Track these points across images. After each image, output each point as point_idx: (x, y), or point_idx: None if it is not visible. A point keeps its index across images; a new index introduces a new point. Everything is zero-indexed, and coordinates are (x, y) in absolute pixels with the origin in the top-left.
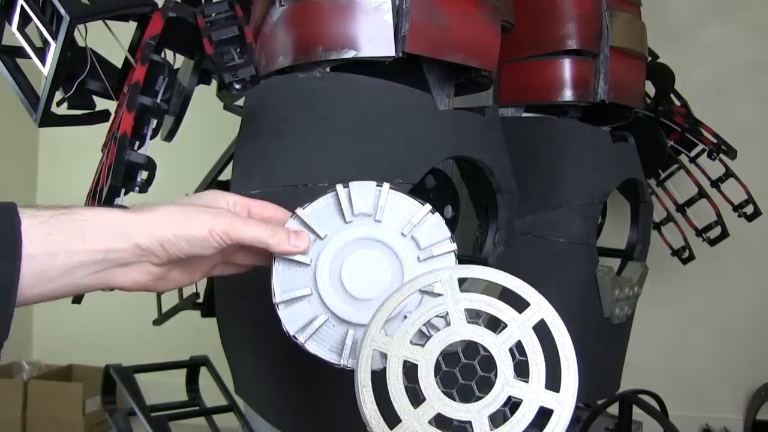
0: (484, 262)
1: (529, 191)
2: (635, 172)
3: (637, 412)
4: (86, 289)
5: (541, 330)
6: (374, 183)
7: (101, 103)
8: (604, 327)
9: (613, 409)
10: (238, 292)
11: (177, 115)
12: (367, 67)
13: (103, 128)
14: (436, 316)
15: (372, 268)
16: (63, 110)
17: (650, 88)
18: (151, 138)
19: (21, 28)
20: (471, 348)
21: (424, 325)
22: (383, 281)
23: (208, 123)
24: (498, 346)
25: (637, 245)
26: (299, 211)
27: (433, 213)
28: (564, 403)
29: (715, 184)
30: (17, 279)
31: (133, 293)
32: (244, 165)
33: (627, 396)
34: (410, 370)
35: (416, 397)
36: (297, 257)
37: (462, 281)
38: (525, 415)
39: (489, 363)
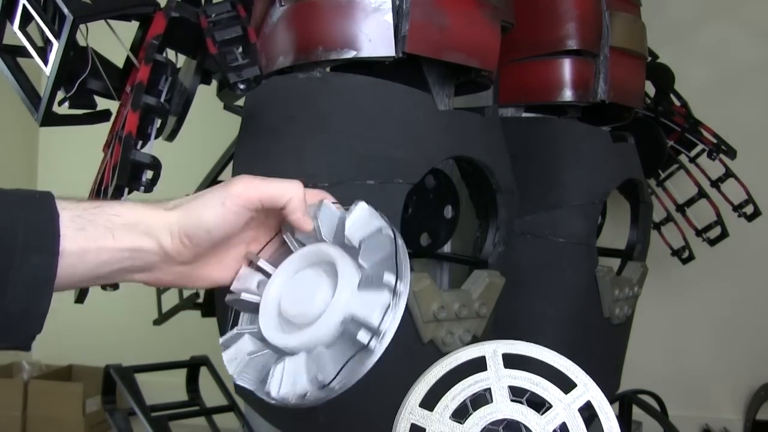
0: (483, 262)
1: (529, 191)
2: (635, 172)
3: (637, 412)
4: (111, 281)
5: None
6: (315, 203)
7: (102, 103)
8: (604, 327)
9: (613, 409)
10: None
11: (179, 115)
12: (367, 67)
13: (105, 128)
14: (480, 391)
15: (308, 286)
16: (64, 110)
17: (650, 88)
18: (155, 138)
19: (23, 27)
20: (513, 427)
21: (465, 399)
22: (319, 295)
23: (208, 123)
24: (542, 427)
25: (637, 245)
26: (326, 203)
27: (357, 205)
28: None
29: (715, 184)
30: (55, 273)
31: (133, 294)
32: (244, 165)
33: (627, 396)
34: None
35: None
36: (248, 297)
37: (508, 357)
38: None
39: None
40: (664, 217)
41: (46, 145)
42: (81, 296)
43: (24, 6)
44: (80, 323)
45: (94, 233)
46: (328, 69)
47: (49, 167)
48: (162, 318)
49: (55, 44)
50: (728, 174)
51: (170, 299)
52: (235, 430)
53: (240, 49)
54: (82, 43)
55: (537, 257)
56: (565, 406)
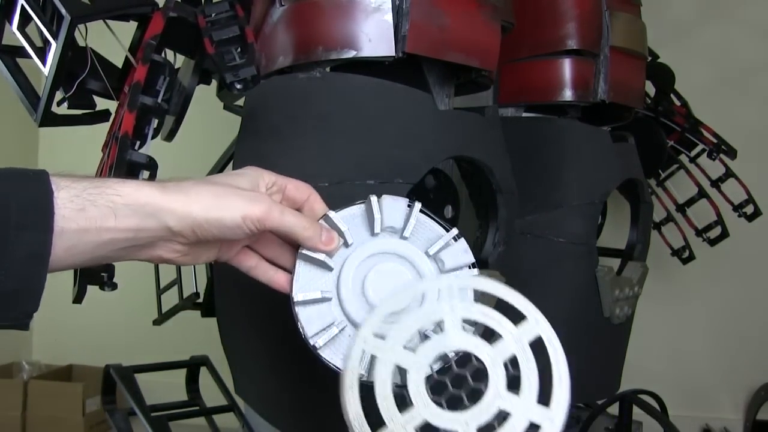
0: (484, 263)
1: (529, 191)
2: (635, 172)
3: (637, 412)
4: (112, 260)
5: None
6: (407, 200)
7: (101, 103)
8: (604, 327)
9: (613, 409)
10: (238, 292)
11: (177, 115)
12: (367, 67)
13: (104, 128)
14: (432, 322)
15: (396, 282)
16: (63, 110)
17: (650, 88)
18: (152, 138)
19: (21, 27)
20: (464, 357)
21: (418, 330)
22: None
23: (208, 123)
24: (492, 358)
25: (637, 245)
26: (332, 213)
27: (458, 238)
28: (554, 420)
29: (715, 184)
30: (49, 251)
31: (133, 294)
32: (244, 165)
33: (627, 396)
34: (400, 376)
35: (403, 403)
36: (323, 258)
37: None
38: (514, 429)
39: (481, 374)
40: (664, 217)
41: (46, 145)
42: (79, 296)
43: (22, 6)
44: (80, 323)
45: (95, 213)
46: (328, 69)
47: (49, 167)
48: (162, 318)
49: (54, 44)
50: (728, 174)
51: (170, 299)
52: (235, 430)
53: (237, 49)
54: (80, 43)
55: (537, 257)
56: (515, 339)
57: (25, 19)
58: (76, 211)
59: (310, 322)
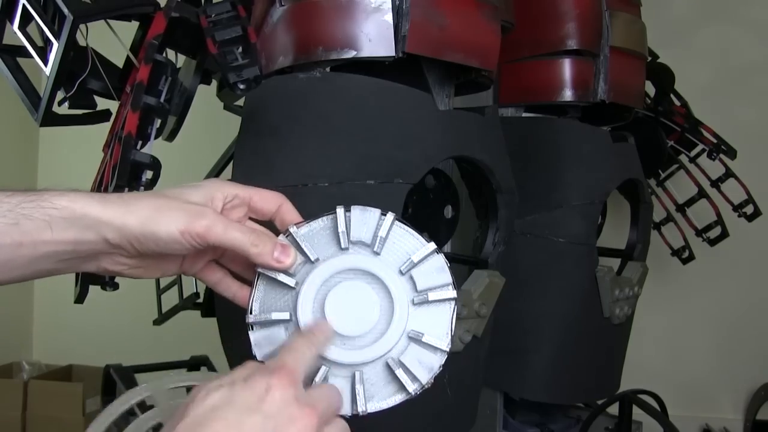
0: (483, 262)
1: (529, 191)
2: (635, 172)
3: (637, 412)
4: (54, 273)
5: None
6: (379, 211)
7: (102, 103)
8: (604, 327)
9: (613, 409)
10: None
11: (179, 115)
12: (367, 67)
13: (104, 128)
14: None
15: (360, 303)
16: (64, 110)
17: (650, 88)
18: (155, 138)
19: (22, 27)
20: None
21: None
22: (370, 319)
23: (208, 123)
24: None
25: (637, 245)
26: (292, 228)
27: (437, 253)
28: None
29: (715, 184)
30: None
31: (133, 294)
32: (244, 165)
33: (627, 396)
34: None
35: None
36: (281, 277)
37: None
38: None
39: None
40: (664, 217)
41: (46, 145)
42: (81, 296)
43: (24, 6)
44: (80, 323)
45: (30, 227)
46: (328, 69)
47: (49, 167)
48: (162, 318)
49: (55, 44)
50: (728, 174)
51: (170, 299)
52: None
53: (240, 49)
54: (82, 43)
55: (537, 257)
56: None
57: (27, 18)
58: (10, 226)
59: (259, 345)
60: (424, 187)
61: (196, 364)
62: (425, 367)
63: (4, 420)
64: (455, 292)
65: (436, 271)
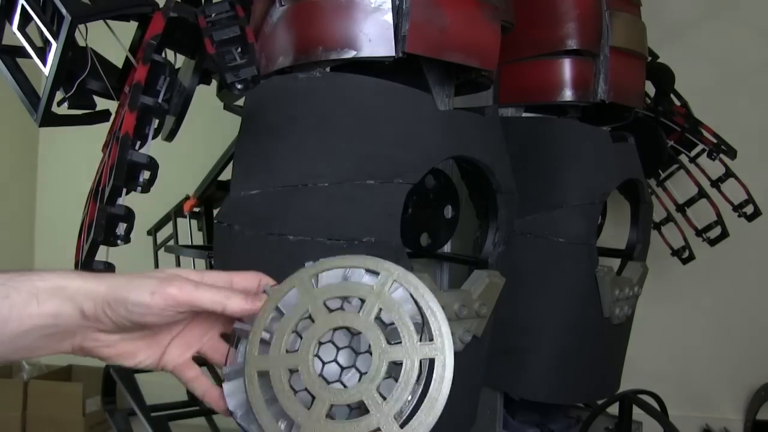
0: (483, 262)
1: (529, 191)
2: (635, 172)
3: (637, 412)
4: (33, 352)
5: None
6: (342, 270)
7: (102, 103)
8: (604, 327)
9: (613, 409)
10: None
11: (178, 115)
12: (367, 67)
13: (104, 128)
14: (359, 298)
15: (356, 351)
16: (63, 110)
17: (650, 88)
18: (153, 138)
19: (22, 27)
20: (363, 342)
21: (293, 331)
22: (364, 369)
23: (208, 123)
24: (363, 321)
25: (637, 245)
26: (267, 288)
27: (400, 285)
28: (442, 349)
29: (715, 184)
30: None
31: None
32: (244, 165)
33: (627, 396)
34: (306, 323)
35: (307, 399)
36: (266, 336)
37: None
38: (409, 374)
39: (368, 363)
40: (664, 217)
41: (46, 145)
42: None
43: (23, 6)
44: None
45: (18, 300)
46: (328, 69)
47: (49, 167)
48: None
49: (54, 44)
50: (728, 174)
51: None
52: (235, 430)
53: (238, 49)
54: (81, 43)
55: (537, 257)
56: (375, 294)
57: (26, 19)
58: (1, 299)
59: (231, 395)
60: (424, 187)
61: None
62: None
63: (4, 420)
64: (451, 349)
65: (442, 321)
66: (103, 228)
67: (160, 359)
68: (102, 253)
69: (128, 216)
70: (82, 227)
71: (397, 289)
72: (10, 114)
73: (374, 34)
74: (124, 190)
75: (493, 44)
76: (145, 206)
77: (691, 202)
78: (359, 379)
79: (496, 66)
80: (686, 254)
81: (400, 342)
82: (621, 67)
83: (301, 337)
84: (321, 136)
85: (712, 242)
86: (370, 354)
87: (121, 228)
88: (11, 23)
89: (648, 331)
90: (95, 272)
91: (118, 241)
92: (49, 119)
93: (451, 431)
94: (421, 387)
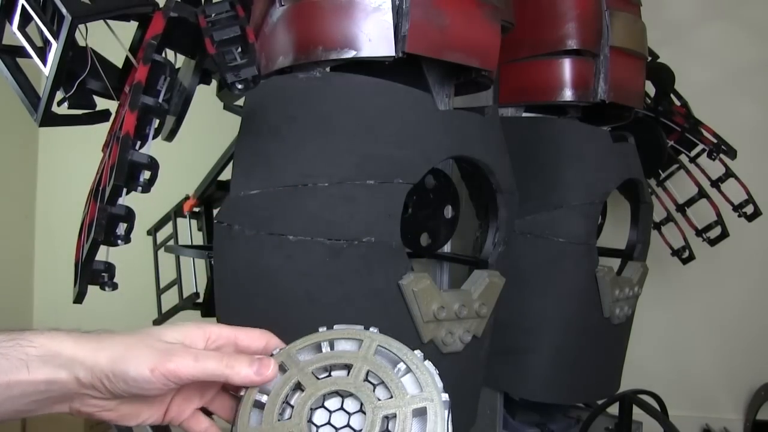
0: (483, 262)
1: (529, 191)
2: (635, 172)
3: (637, 412)
4: (25, 415)
5: None
6: (361, 327)
7: (102, 103)
8: (604, 327)
9: (613, 409)
10: (238, 293)
11: (178, 115)
12: (367, 67)
13: (104, 128)
14: (344, 364)
15: (348, 411)
16: (63, 110)
17: (650, 88)
18: (153, 138)
19: (22, 27)
20: (354, 403)
21: (327, 367)
22: (357, 427)
23: (208, 123)
24: (354, 382)
25: (637, 245)
26: (276, 351)
27: (423, 360)
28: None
29: (715, 184)
30: None
31: (133, 294)
32: (244, 165)
33: (627, 396)
34: (297, 394)
35: (285, 415)
36: (264, 398)
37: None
38: (404, 423)
39: (361, 423)
40: (664, 217)
41: (46, 145)
42: (80, 296)
43: (23, 6)
44: (79, 323)
45: (7, 366)
46: (328, 69)
47: (49, 167)
48: (162, 318)
49: (54, 44)
50: (728, 174)
51: (170, 299)
52: None
53: (238, 49)
54: (81, 43)
55: (537, 257)
56: (362, 358)
57: (26, 18)
58: None
59: None
60: (424, 187)
61: None
62: None
63: None
64: (445, 395)
65: (428, 374)
66: (103, 228)
67: (164, 417)
68: (102, 253)
69: (129, 216)
70: (82, 227)
71: (381, 351)
72: (10, 114)
73: (374, 34)
74: (125, 190)
75: (493, 44)
76: (144, 206)
77: (691, 202)
78: None
79: (496, 66)
80: (686, 254)
81: (392, 397)
82: (621, 67)
83: (292, 407)
84: (321, 135)
85: (712, 242)
86: (362, 413)
87: (122, 228)
88: (11, 23)
89: (648, 331)
90: (86, 334)
91: (119, 241)
92: (49, 119)
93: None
94: None
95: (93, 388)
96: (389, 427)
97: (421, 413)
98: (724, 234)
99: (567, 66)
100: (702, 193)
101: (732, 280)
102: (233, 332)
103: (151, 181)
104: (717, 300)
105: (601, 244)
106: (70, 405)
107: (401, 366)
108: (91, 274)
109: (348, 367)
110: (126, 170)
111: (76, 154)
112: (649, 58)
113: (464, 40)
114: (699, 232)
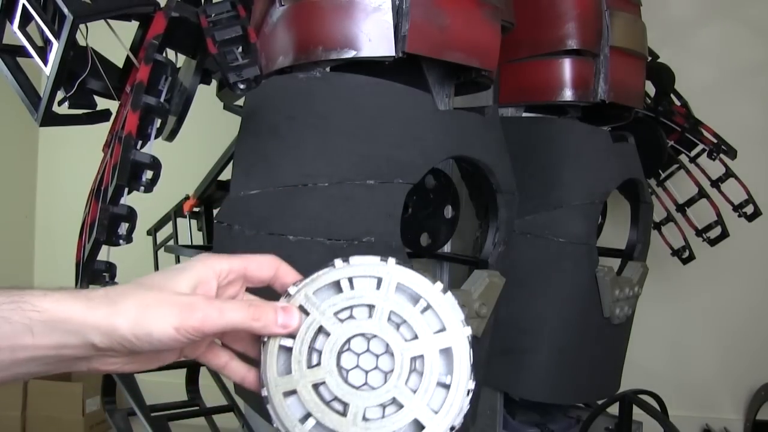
0: (483, 262)
1: (529, 191)
2: (635, 172)
3: (637, 412)
4: (39, 375)
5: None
6: (378, 258)
7: (102, 103)
8: (604, 327)
9: (613, 409)
10: None
11: (179, 115)
12: (367, 67)
13: (104, 128)
14: (366, 304)
15: (375, 353)
16: (64, 109)
17: (650, 88)
18: (155, 138)
19: (22, 27)
20: (380, 344)
21: (349, 308)
22: (386, 368)
23: (208, 123)
24: (378, 324)
25: (637, 245)
26: (291, 289)
27: (444, 293)
28: (439, 424)
29: (715, 184)
30: None
31: None
32: (244, 165)
33: (627, 396)
34: (321, 337)
35: (313, 361)
36: (288, 342)
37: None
38: (399, 421)
39: (390, 364)
40: (664, 217)
41: (46, 145)
42: None
43: (24, 6)
44: None
45: (8, 331)
46: (328, 69)
47: (49, 167)
48: None
49: (55, 44)
50: (728, 174)
51: None
52: (235, 430)
53: (240, 49)
54: (81, 42)
55: (537, 257)
56: (383, 297)
57: (26, 18)
58: None
59: (286, 413)
60: (424, 187)
61: (196, 364)
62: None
63: (4, 420)
64: (468, 328)
65: (450, 309)
66: (105, 228)
67: (181, 354)
68: (102, 253)
69: (131, 216)
70: (84, 227)
71: (401, 287)
72: (10, 114)
73: (374, 34)
74: (126, 190)
75: (493, 44)
76: (145, 206)
77: (691, 202)
78: (384, 379)
79: (496, 66)
80: (686, 254)
81: (417, 337)
82: (621, 67)
83: (319, 351)
84: (321, 135)
85: (712, 242)
86: (389, 354)
87: (123, 228)
88: (12, 23)
89: (648, 331)
90: (94, 295)
91: (120, 241)
92: (50, 119)
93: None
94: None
95: (112, 350)
96: (417, 367)
97: (446, 350)
98: (724, 234)
99: (567, 66)
100: (702, 193)
101: (732, 280)
102: (242, 263)
103: (154, 181)
104: (717, 300)
105: (601, 244)
106: (88, 365)
107: (422, 302)
108: (92, 273)
109: (369, 306)
110: (128, 170)
111: (76, 154)
112: (649, 58)
113: (464, 40)
114: (699, 232)
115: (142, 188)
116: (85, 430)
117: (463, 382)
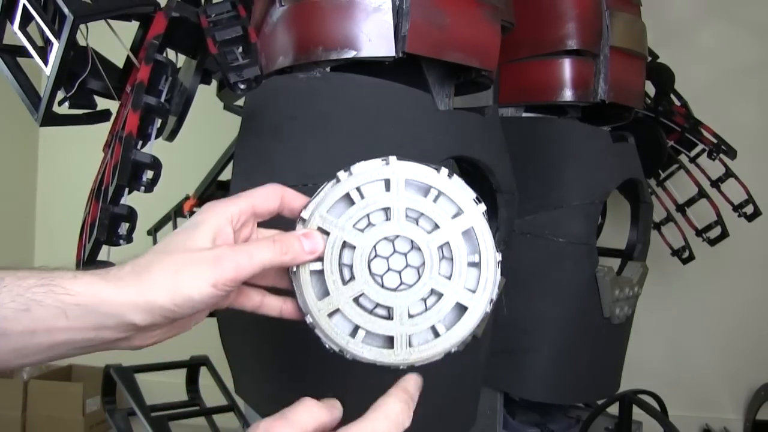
0: None
1: (529, 191)
2: (635, 172)
3: (637, 412)
4: (78, 354)
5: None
6: (379, 160)
7: (102, 103)
8: (604, 327)
9: (613, 409)
10: None
11: (179, 115)
12: (367, 67)
13: (104, 128)
14: (381, 208)
15: (403, 252)
16: (64, 110)
17: (650, 88)
18: (155, 138)
19: (23, 27)
20: (404, 242)
21: (365, 216)
22: (416, 264)
23: (208, 123)
24: (397, 224)
25: (637, 245)
26: (304, 213)
27: (450, 177)
28: (479, 301)
29: (715, 184)
30: None
31: None
32: (245, 165)
33: (627, 396)
34: (347, 252)
35: (346, 277)
36: (315, 266)
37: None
38: (442, 308)
39: (419, 258)
40: (664, 217)
41: (46, 145)
42: None
43: (24, 6)
44: None
45: (42, 314)
46: (328, 69)
47: (49, 167)
48: None
49: (55, 44)
50: (728, 174)
51: None
52: (235, 430)
53: (240, 49)
54: (82, 43)
55: (537, 257)
56: (394, 197)
57: (27, 18)
58: (20, 312)
59: (335, 331)
60: None
61: (196, 364)
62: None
63: (4, 420)
64: (482, 205)
65: (459, 189)
66: (106, 228)
67: (214, 308)
68: (103, 253)
69: (131, 215)
70: (84, 227)
71: (410, 183)
72: (10, 114)
73: (374, 34)
74: (127, 190)
75: (493, 44)
76: (145, 206)
77: (691, 202)
78: (418, 274)
79: (496, 66)
80: (686, 254)
81: (438, 227)
82: (621, 67)
83: (349, 266)
84: (321, 136)
85: (712, 242)
86: (416, 249)
87: (124, 228)
88: (12, 23)
89: (648, 331)
90: (120, 274)
91: (121, 241)
92: (50, 119)
93: (451, 431)
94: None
95: (154, 325)
96: (445, 254)
97: (467, 231)
98: (724, 234)
99: (567, 66)
100: (702, 193)
101: (732, 280)
102: (249, 201)
103: (154, 181)
104: (717, 300)
105: (601, 244)
106: (129, 344)
107: (433, 191)
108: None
109: (384, 210)
110: (129, 170)
111: (76, 154)
112: (649, 58)
113: (464, 40)
114: (699, 232)
115: (143, 188)
116: (85, 430)
117: (491, 256)
